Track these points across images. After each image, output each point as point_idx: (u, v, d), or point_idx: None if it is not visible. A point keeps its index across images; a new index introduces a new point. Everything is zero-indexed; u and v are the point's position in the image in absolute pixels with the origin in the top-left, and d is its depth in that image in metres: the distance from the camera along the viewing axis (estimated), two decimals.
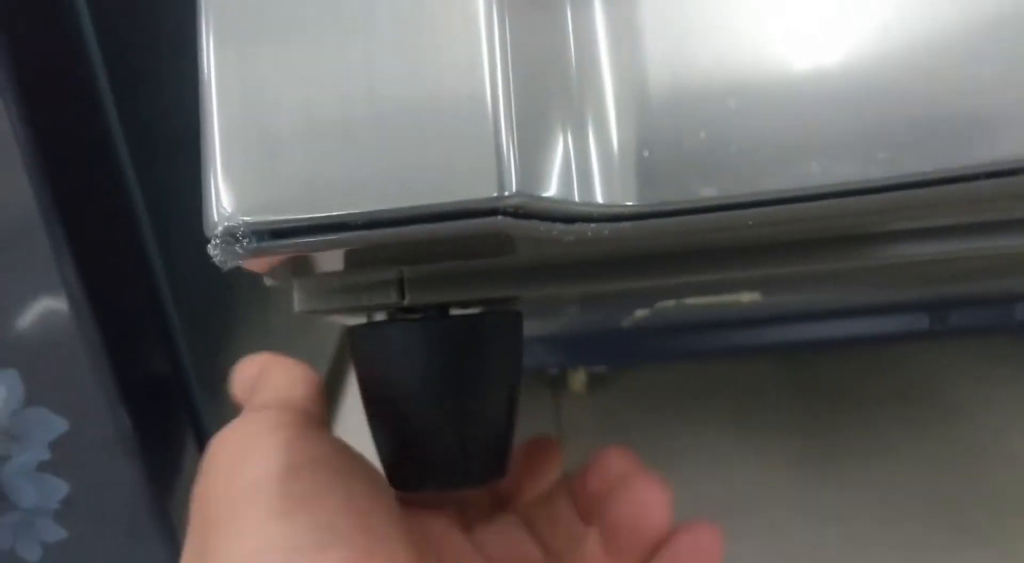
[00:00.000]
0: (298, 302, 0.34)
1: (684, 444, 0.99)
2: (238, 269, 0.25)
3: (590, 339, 0.93)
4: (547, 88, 0.24)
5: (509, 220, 0.23)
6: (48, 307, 0.49)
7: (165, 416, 0.59)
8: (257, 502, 0.28)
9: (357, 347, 0.37)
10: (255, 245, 0.23)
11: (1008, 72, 0.24)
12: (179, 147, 0.59)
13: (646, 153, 0.25)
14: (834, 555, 0.82)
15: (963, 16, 0.24)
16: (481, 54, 0.23)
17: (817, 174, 0.24)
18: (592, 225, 0.25)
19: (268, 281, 0.33)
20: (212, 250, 0.23)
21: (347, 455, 0.33)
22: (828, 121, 0.24)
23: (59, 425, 0.52)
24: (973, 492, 0.87)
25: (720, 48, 0.25)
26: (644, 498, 0.34)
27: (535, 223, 0.24)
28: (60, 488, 0.54)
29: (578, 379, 1.08)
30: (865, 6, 0.24)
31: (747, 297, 0.49)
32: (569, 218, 0.24)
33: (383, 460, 0.37)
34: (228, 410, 0.68)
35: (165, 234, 0.57)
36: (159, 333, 0.58)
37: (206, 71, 0.24)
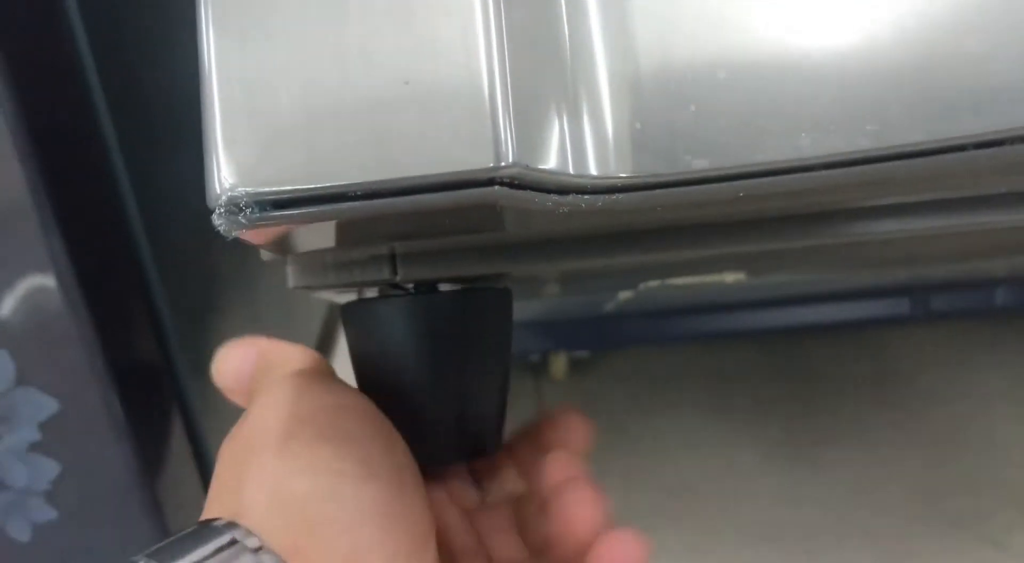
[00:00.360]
0: (292, 278, 0.35)
1: (663, 428, 1.00)
2: (226, 249, 0.25)
3: (572, 324, 0.93)
4: (542, 61, 0.25)
5: (505, 190, 0.24)
6: (38, 288, 0.49)
7: (154, 398, 0.59)
8: (307, 430, 0.30)
9: (350, 322, 0.37)
10: (257, 215, 0.24)
11: (996, 43, 0.24)
12: (168, 130, 0.59)
13: (638, 126, 0.25)
14: (811, 537, 0.83)
15: None
16: (477, 28, 0.23)
17: (807, 146, 0.24)
18: (586, 196, 0.25)
19: (265, 255, 0.33)
20: (216, 220, 0.24)
21: (381, 413, 0.34)
22: (817, 93, 0.25)
23: (49, 406, 0.52)
24: (950, 477, 0.88)
25: (711, 21, 0.25)
26: (572, 512, 0.34)
27: (530, 194, 0.24)
28: (51, 468, 0.54)
29: (559, 364, 1.09)
30: None
31: (731, 277, 0.50)
32: (563, 190, 0.25)
33: None
34: (215, 393, 0.68)
35: (153, 217, 0.57)
36: (147, 315, 0.58)
37: (206, 47, 0.24)
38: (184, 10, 0.25)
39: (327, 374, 0.35)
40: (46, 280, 0.49)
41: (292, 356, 0.36)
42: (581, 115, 0.25)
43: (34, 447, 0.53)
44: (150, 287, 0.58)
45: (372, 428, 0.32)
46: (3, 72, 0.44)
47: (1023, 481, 0.86)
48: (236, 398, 0.38)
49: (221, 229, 0.24)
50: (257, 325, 0.82)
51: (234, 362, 0.37)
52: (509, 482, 0.39)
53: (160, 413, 0.60)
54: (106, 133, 0.53)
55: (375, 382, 0.37)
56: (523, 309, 0.90)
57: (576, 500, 0.34)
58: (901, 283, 0.86)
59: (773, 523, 0.85)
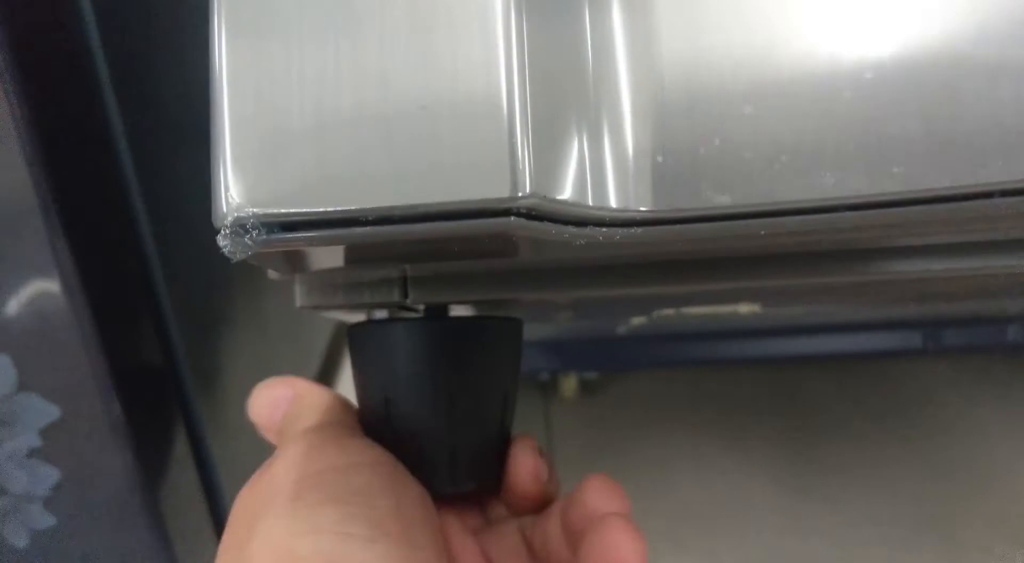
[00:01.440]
0: (299, 297, 0.34)
1: (672, 452, 0.99)
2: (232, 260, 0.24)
3: (583, 344, 0.93)
4: (563, 89, 0.24)
5: (522, 221, 0.23)
6: (41, 293, 0.49)
7: (157, 404, 0.59)
8: (316, 490, 0.30)
9: (355, 344, 0.36)
10: (264, 237, 0.23)
11: None
12: (178, 135, 0.59)
13: (660, 159, 0.25)
14: None
15: (983, 30, 0.24)
16: (498, 53, 0.23)
17: (831, 186, 0.24)
18: (604, 229, 0.25)
19: (272, 275, 0.33)
20: (221, 241, 0.23)
21: (397, 464, 0.34)
22: (844, 132, 0.24)
23: (51, 412, 0.51)
24: (960, 510, 0.87)
25: (737, 54, 0.25)
26: (616, 544, 0.34)
27: (547, 225, 0.24)
28: (51, 475, 0.53)
29: (569, 385, 1.09)
30: (885, 17, 0.24)
31: (746, 308, 0.49)
32: (581, 222, 0.24)
33: None
34: (220, 400, 0.68)
35: (161, 222, 0.57)
36: (152, 321, 0.58)
37: (217, 62, 0.24)
38: (196, 9, 0.25)
39: (347, 426, 0.35)
40: (50, 284, 0.48)
41: (321, 403, 0.36)
42: (602, 146, 0.25)
43: (34, 453, 0.52)
44: (156, 293, 0.58)
45: (383, 485, 0.31)
46: (12, 72, 0.43)
47: None
48: (268, 436, 0.39)
49: (225, 251, 0.23)
50: (264, 335, 0.82)
51: (268, 401, 0.38)
52: (512, 503, 0.39)
53: (163, 421, 0.60)
54: (115, 136, 0.53)
55: (377, 407, 0.36)
56: (535, 328, 0.91)
57: (621, 535, 0.34)
58: (914, 317, 0.86)
59: (779, 553, 0.84)
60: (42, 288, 0.48)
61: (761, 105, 0.24)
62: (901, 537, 0.84)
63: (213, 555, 0.31)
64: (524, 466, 0.37)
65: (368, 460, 0.32)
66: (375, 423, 0.36)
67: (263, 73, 0.24)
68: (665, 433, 1.02)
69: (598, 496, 0.35)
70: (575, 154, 0.24)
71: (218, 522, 0.66)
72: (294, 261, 0.29)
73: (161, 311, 0.58)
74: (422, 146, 0.23)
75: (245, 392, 0.73)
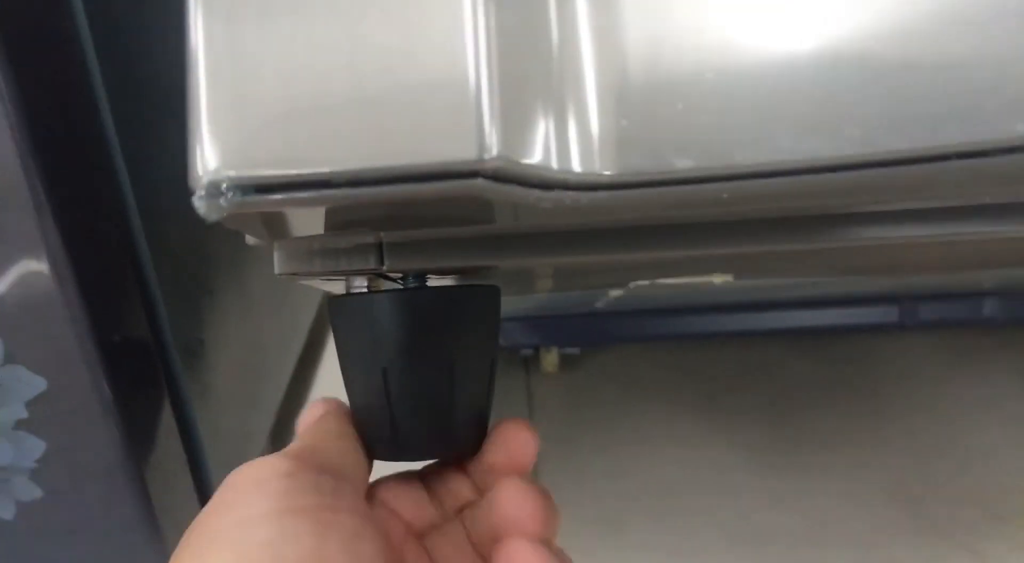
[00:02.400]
0: (278, 264, 0.35)
1: (650, 426, 1.00)
2: (220, 235, 0.25)
3: (564, 320, 0.94)
4: (529, 55, 0.25)
5: (488, 183, 0.24)
6: (29, 267, 0.49)
7: (143, 377, 0.59)
8: (244, 536, 0.30)
9: (336, 316, 0.37)
10: (239, 199, 0.24)
11: (982, 50, 0.24)
12: (166, 112, 0.59)
13: (624, 123, 0.25)
14: (793, 541, 0.83)
15: None
16: (463, 19, 0.24)
17: (787, 148, 0.25)
18: (569, 193, 0.25)
19: (250, 239, 0.34)
20: (196, 203, 0.24)
21: (344, 511, 0.33)
22: (802, 96, 0.25)
23: (37, 384, 0.52)
24: (935, 484, 0.89)
25: (700, 22, 0.25)
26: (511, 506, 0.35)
27: (514, 188, 0.24)
28: (37, 447, 0.54)
29: (550, 359, 1.10)
30: None
31: (719, 279, 0.50)
32: (547, 185, 0.25)
33: (360, 431, 0.38)
34: (206, 372, 0.68)
35: (148, 199, 0.57)
36: (139, 295, 0.58)
37: (194, 28, 0.25)
38: None
39: (320, 463, 0.35)
40: (38, 259, 0.49)
41: (324, 430, 0.37)
42: (567, 111, 0.25)
43: (20, 425, 0.53)
44: (143, 268, 0.58)
45: (319, 534, 0.31)
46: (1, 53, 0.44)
47: (1001, 489, 0.87)
48: None
49: (200, 212, 0.24)
50: (250, 309, 0.82)
51: (306, 419, 0.39)
52: (463, 492, 0.40)
53: (149, 394, 0.60)
54: (103, 115, 0.53)
55: (359, 377, 0.37)
56: (516, 304, 0.91)
57: (515, 495, 0.34)
58: (890, 291, 0.86)
59: (756, 526, 0.85)
60: (29, 262, 0.49)
61: (722, 71, 0.25)
62: (876, 513, 0.85)
63: None
64: (519, 436, 0.38)
65: (297, 506, 0.32)
66: (361, 395, 0.37)
67: (238, 40, 0.24)
68: (644, 407, 1.03)
69: (510, 505, 0.35)
70: (540, 119, 0.25)
71: (203, 494, 0.66)
72: (271, 225, 0.30)
73: (147, 284, 0.59)
74: (392, 111, 0.24)
75: (231, 364, 0.74)
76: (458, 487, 0.40)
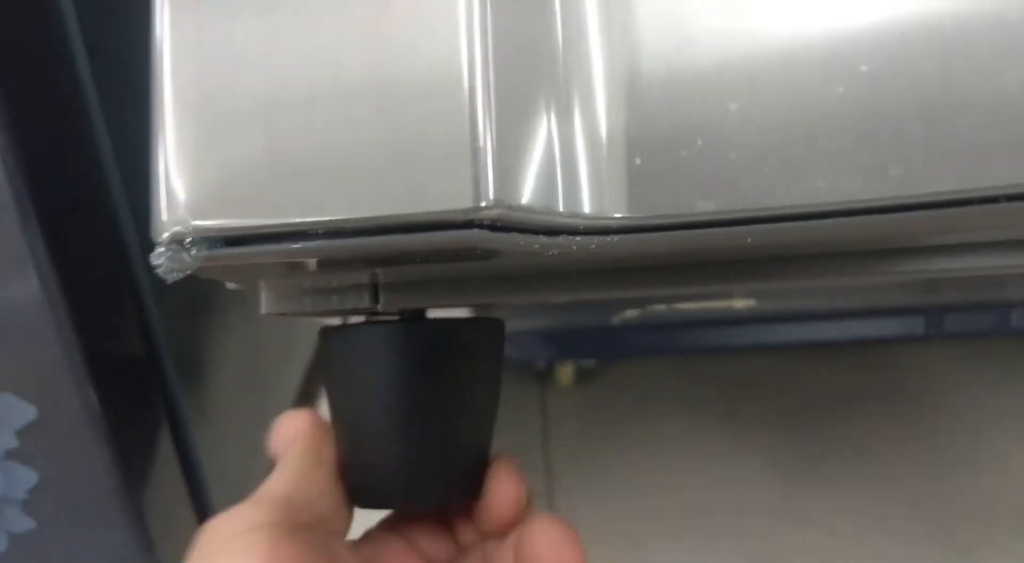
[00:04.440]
0: (265, 303, 0.32)
1: (668, 439, 0.99)
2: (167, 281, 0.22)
3: (579, 333, 0.93)
4: (531, 81, 0.22)
5: (486, 233, 0.21)
6: (17, 289, 0.47)
7: (138, 402, 0.57)
8: None
9: (327, 349, 0.34)
10: (206, 252, 0.21)
11: None
12: None
13: (638, 160, 0.23)
14: (813, 553, 0.82)
15: (986, 15, 0.22)
16: (460, 41, 0.21)
17: (823, 190, 0.22)
18: (578, 238, 0.23)
19: (230, 285, 0.31)
20: (155, 259, 0.21)
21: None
22: (837, 130, 0.22)
23: (27, 412, 0.50)
24: (959, 498, 0.87)
25: (722, 45, 0.23)
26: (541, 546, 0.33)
27: (515, 236, 0.22)
28: (28, 477, 0.52)
29: (565, 373, 1.09)
30: (880, 3, 0.22)
31: (741, 303, 0.48)
32: (553, 230, 0.23)
33: (344, 476, 0.35)
34: (205, 393, 0.66)
35: (141, 212, 0.55)
36: (133, 315, 0.56)
37: (159, 58, 0.22)
38: None
39: (292, 511, 0.33)
40: (27, 281, 0.47)
41: (295, 468, 0.34)
42: (574, 146, 0.23)
43: (11, 455, 0.51)
44: (138, 286, 0.56)
45: None
46: None
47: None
48: None
49: (160, 270, 0.21)
50: (250, 326, 0.80)
51: (282, 435, 0.36)
52: (483, 525, 0.37)
53: (145, 417, 0.58)
54: (95, 125, 0.52)
55: (350, 415, 0.34)
56: (530, 318, 0.90)
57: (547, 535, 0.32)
58: (916, 303, 0.85)
59: (776, 538, 0.84)
60: (17, 284, 0.47)
61: (747, 102, 0.22)
62: (895, 525, 0.84)
63: None
64: (507, 487, 0.35)
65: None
66: (346, 435, 0.35)
67: (206, 66, 0.22)
68: (661, 420, 1.02)
69: (546, 543, 0.33)
70: (544, 156, 0.22)
71: (204, 523, 0.64)
72: (251, 272, 0.27)
73: (142, 303, 0.57)
74: (377, 153, 0.21)
75: (231, 384, 0.72)
76: (441, 540, 0.37)
